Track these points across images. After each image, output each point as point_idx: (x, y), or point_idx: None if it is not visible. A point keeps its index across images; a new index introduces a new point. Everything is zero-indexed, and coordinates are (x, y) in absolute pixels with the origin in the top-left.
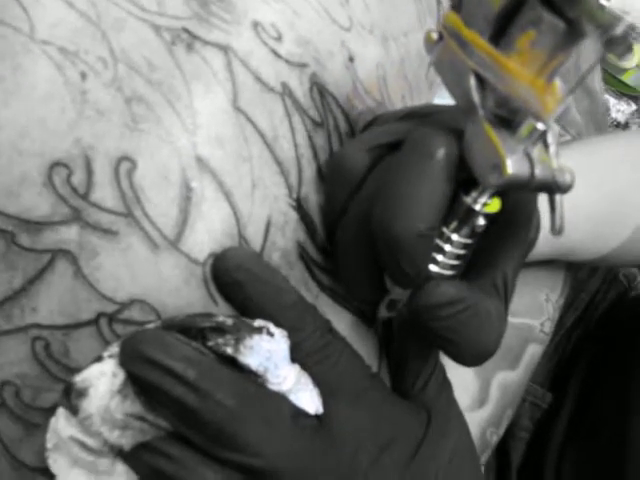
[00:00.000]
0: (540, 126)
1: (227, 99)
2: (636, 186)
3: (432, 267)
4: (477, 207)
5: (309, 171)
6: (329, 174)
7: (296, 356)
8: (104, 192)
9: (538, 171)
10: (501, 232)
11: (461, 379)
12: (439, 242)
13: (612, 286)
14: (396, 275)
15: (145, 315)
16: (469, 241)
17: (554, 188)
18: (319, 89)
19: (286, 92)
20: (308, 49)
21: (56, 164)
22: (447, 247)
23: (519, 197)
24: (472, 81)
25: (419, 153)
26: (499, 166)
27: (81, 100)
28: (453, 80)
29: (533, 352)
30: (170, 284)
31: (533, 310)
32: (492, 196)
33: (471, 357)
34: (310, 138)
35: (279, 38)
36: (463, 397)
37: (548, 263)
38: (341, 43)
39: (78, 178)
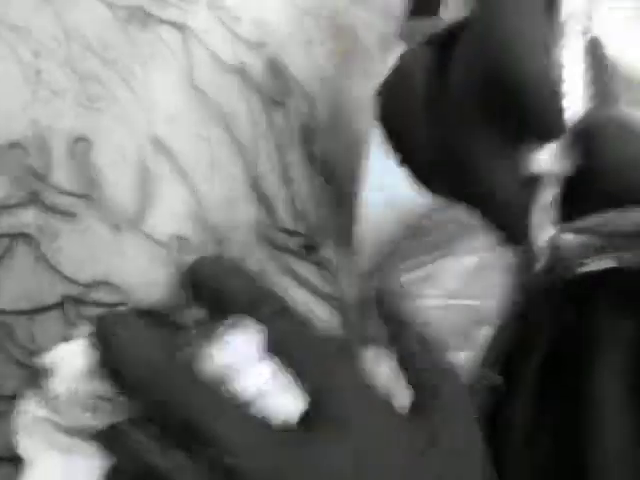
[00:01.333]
0: None
1: (184, 77)
2: None
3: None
4: None
5: (267, 149)
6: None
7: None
8: (61, 174)
9: None
10: None
11: None
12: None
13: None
14: (534, 122)
15: (112, 296)
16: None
17: None
18: (278, 69)
19: (244, 71)
20: (267, 29)
21: (12, 146)
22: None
23: None
24: None
25: None
26: None
27: (35, 80)
28: None
29: (485, 333)
30: (134, 264)
31: (488, 291)
32: None
33: None
34: (268, 117)
35: (237, 18)
36: None
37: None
38: (300, 25)
39: (35, 160)
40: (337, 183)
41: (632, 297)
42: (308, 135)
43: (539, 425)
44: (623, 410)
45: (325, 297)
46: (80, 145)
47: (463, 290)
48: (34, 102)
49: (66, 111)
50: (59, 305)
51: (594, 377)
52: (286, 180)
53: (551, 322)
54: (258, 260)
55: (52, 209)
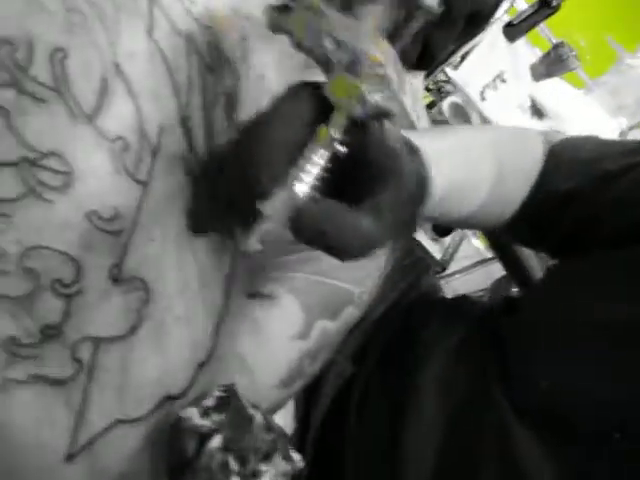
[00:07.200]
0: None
1: (144, 29)
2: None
3: (299, 186)
4: (334, 133)
5: (196, 99)
6: None
7: None
8: (40, 70)
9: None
10: (373, 176)
11: (290, 314)
12: (303, 164)
13: (413, 290)
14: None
15: (60, 166)
16: (325, 164)
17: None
18: (216, 46)
19: (191, 39)
20: (214, 18)
21: (4, 41)
22: (309, 167)
23: (383, 151)
24: (327, 41)
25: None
26: (363, 98)
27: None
28: (310, 41)
29: (350, 312)
30: (83, 148)
31: (356, 281)
32: (344, 129)
33: (340, 255)
34: (202, 76)
35: (193, 2)
36: (290, 327)
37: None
38: (239, 26)
39: (21, 55)
40: None
41: (455, 320)
42: (230, 102)
43: (367, 405)
44: (432, 400)
45: None
46: (59, 54)
47: (336, 273)
48: (27, 14)
49: (52, 28)
50: (16, 164)
51: (418, 373)
52: (207, 126)
53: (391, 327)
54: (167, 184)
55: (28, 93)
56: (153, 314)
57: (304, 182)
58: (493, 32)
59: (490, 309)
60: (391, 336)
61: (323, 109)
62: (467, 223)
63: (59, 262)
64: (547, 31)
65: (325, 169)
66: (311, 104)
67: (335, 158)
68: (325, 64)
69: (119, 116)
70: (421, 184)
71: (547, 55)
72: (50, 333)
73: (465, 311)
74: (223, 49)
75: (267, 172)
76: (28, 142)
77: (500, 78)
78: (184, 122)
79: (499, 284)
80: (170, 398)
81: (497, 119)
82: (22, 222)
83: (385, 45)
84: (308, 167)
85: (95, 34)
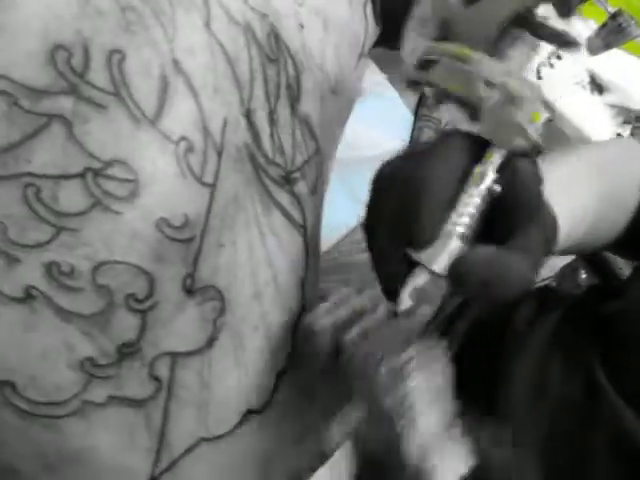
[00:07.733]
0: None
1: (202, 21)
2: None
3: (452, 226)
4: (491, 172)
5: (259, 91)
6: None
7: None
8: (98, 74)
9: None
10: (521, 215)
11: None
12: (461, 207)
13: None
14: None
15: (125, 174)
16: (480, 202)
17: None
18: (275, 35)
19: (249, 29)
20: (270, 5)
21: (59, 46)
22: (465, 210)
23: (534, 192)
24: (481, 85)
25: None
26: (525, 132)
27: (84, 1)
28: (461, 86)
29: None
30: (148, 153)
31: None
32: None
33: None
34: (263, 67)
35: None
36: None
37: None
38: (295, 12)
39: (77, 60)
40: (315, 142)
41: (544, 308)
42: (292, 93)
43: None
44: (526, 389)
45: (296, 225)
46: (116, 56)
47: None
48: (82, 17)
49: (107, 29)
50: (81, 175)
51: (508, 363)
52: (272, 120)
53: (467, 319)
54: (246, 173)
55: (87, 100)
56: (229, 324)
57: (462, 226)
58: (544, 6)
59: (586, 294)
60: (469, 329)
61: (476, 149)
62: (574, 250)
63: (132, 276)
64: (602, 0)
65: (480, 209)
66: (465, 146)
67: (488, 198)
68: (477, 104)
69: (181, 115)
70: (553, 228)
71: (604, 26)
72: (127, 351)
73: (553, 299)
74: (282, 38)
75: (428, 220)
76: (91, 151)
77: (555, 55)
78: (248, 116)
79: (566, 271)
80: (252, 412)
81: (556, 98)
82: (91, 236)
83: (531, 82)
84: (465, 210)
85: (152, 31)
